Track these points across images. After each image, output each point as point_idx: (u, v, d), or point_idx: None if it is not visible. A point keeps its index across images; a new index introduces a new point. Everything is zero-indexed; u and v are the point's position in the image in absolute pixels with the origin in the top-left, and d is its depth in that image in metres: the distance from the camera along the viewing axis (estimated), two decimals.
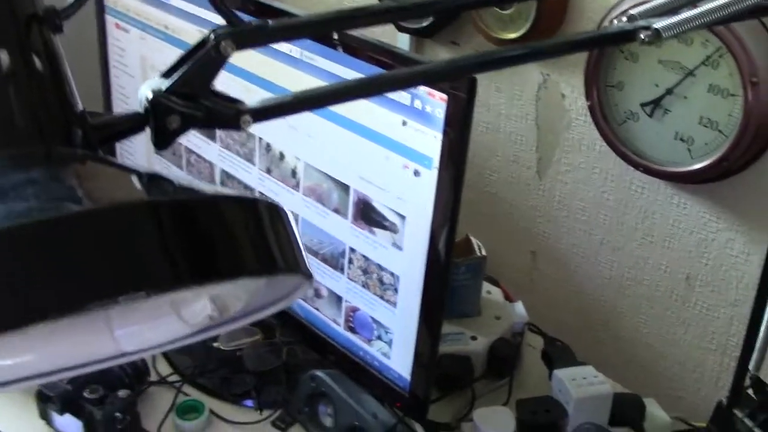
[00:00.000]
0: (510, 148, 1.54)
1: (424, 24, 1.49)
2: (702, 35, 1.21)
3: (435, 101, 0.92)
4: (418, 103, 0.94)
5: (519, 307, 1.37)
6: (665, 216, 1.37)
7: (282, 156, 1.14)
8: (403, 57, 0.96)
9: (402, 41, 1.58)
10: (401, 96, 0.95)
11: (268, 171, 1.18)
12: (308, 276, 0.52)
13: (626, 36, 0.65)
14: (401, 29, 1.55)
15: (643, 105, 1.30)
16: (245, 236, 0.48)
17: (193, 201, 0.48)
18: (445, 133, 0.93)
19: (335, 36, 1.00)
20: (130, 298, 0.41)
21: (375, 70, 0.97)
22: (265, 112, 0.54)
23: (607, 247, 1.46)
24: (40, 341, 0.57)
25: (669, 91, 1.27)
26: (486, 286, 1.38)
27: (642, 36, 0.63)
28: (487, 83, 1.52)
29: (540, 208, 1.53)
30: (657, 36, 0.63)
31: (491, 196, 1.60)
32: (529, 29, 1.38)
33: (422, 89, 0.93)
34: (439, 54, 1.57)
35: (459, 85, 0.90)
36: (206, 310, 0.58)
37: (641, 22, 0.64)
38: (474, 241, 1.32)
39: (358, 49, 0.99)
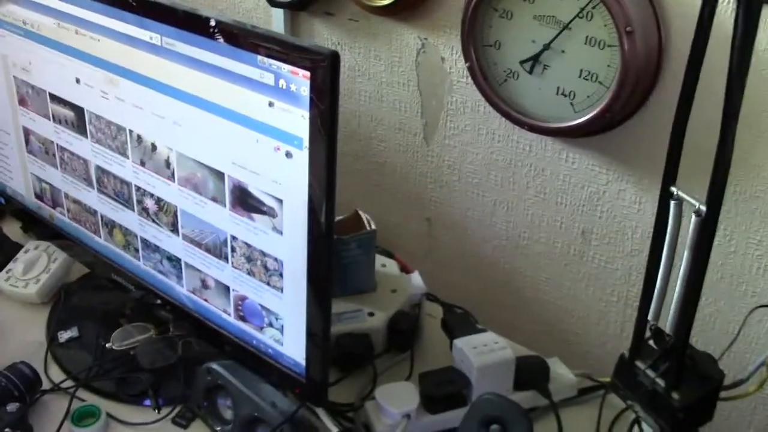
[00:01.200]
0: (395, 116, 1.51)
1: None
2: None
3: (299, 79, 0.89)
4: (282, 83, 0.91)
5: (416, 277, 1.35)
6: (555, 172, 1.36)
7: (154, 147, 1.10)
8: (263, 36, 0.92)
9: (277, 16, 1.54)
10: (265, 76, 0.92)
11: (142, 163, 1.13)
12: None
13: None
14: (274, 4, 1.51)
15: (522, 62, 1.29)
16: None
17: None
18: (312, 111, 0.89)
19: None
20: None
21: (240, 53, 0.93)
22: None
23: (500, 208, 1.45)
24: None
25: (546, 47, 1.26)
26: (381, 259, 1.36)
27: None
28: (365, 52, 1.49)
29: (430, 174, 1.52)
30: None
31: (380, 165, 1.57)
32: None
33: (285, 68, 0.90)
34: (315, 26, 1.54)
35: (321, 60, 0.87)
36: None
37: None
38: (363, 215, 1.29)
39: (220, 30, 0.95)
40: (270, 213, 1.00)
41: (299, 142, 0.92)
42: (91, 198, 1.26)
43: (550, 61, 1.26)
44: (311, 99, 0.89)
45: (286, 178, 0.96)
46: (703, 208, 0.83)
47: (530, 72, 1.29)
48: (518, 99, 1.31)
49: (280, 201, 0.98)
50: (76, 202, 1.30)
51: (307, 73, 0.88)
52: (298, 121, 0.91)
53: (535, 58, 1.28)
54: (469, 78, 1.35)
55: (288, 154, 0.94)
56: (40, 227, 1.44)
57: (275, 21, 1.55)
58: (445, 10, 1.37)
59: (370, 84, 1.51)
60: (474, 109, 1.40)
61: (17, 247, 1.49)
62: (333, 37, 1.52)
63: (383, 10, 1.39)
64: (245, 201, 1.02)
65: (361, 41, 1.49)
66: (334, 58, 0.87)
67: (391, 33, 1.45)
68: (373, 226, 1.28)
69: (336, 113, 0.89)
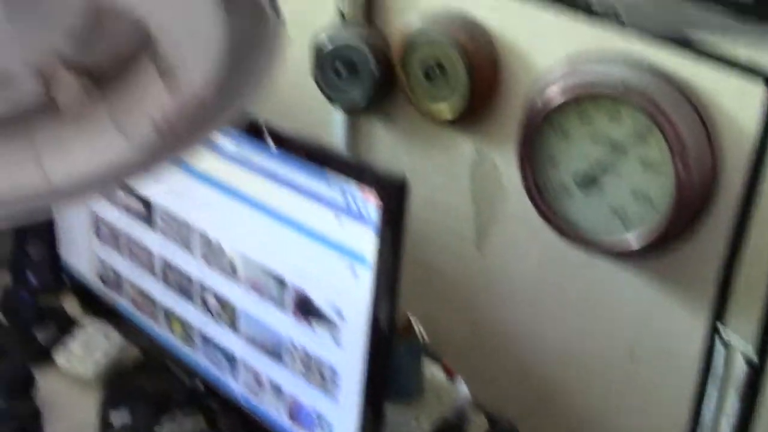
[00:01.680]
0: (448, 222, 1.55)
1: (358, 100, 1.50)
2: (630, 111, 1.24)
3: (368, 201, 0.93)
4: (351, 202, 0.95)
5: (461, 385, 1.37)
6: (604, 288, 1.38)
7: (220, 247, 1.15)
8: (335, 155, 0.97)
9: (337, 116, 1.59)
10: (334, 194, 0.96)
11: (207, 262, 1.18)
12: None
13: None
14: (335, 104, 1.56)
15: (575, 180, 1.32)
16: None
17: None
18: (379, 232, 0.94)
19: (265, 130, 1.01)
20: None
21: (306, 166, 0.98)
22: None
23: (548, 320, 1.48)
24: None
25: (600, 166, 1.29)
26: (426, 362, 1.39)
27: None
28: (421, 157, 1.54)
29: (480, 279, 1.55)
30: None
31: (431, 268, 1.61)
32: (461, 103, 1.40)
33: (355, 188, 0.94)
34: (374, 128, 1.59)
35: (391, 187, 0.91)
36: (152, 108, 0.52)
37: None
38: (414, 322, 1.32)
39: (288, 145, 1.00)
40: (330, 323, 1.04)
41: (364, 260, 0.96)
42: (154, 287, 1.31)
43: (604, 181, 1.30)
44: (379, 220, 0.93)
45: (349, 291, 1.00)
46: (755, 358, 0.85)
47: (583, 190, 1.32)
48: (571, 215, 1.34)
49: (341, 313, 1.02)
50: (138, 289, 1.35)
51: (376, 196, 0.92)
52: (364, 239, 0.95)
53: (588, 177, 1.31)
54: (523, 190, 1.39)
55: (352, 270, 0.98)
56: (99, 307, 1.49)
57: (335, 121, 1.60)
58: (503, 124, 1.41)
59: (425, 189, 1.55)
60: (526, 220, 1.43)
61: (74, 323, 1.54)
62: (391, 140, 1.57)
63: (442, 120, 1.44)
64: (307, 309, 1.06)
65: (419, 147, 1.54)
66: (402, 185, 0.91)
67: (449, 141, 1.49)
68: (425, 335, 1.31)
69: (403, 235, 0.93)
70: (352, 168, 0.95)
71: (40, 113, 0.55)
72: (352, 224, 0.96)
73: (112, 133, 0.52)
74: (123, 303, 1.40)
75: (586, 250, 1.36)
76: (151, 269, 1.29)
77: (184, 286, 1.24)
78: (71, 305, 1.61)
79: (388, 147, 1.58)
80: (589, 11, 1.22)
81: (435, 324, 1.56)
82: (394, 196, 0.91)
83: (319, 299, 1.04)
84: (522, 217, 1.44)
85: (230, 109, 0.54)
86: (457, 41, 1.33)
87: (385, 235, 0.93)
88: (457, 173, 1.51)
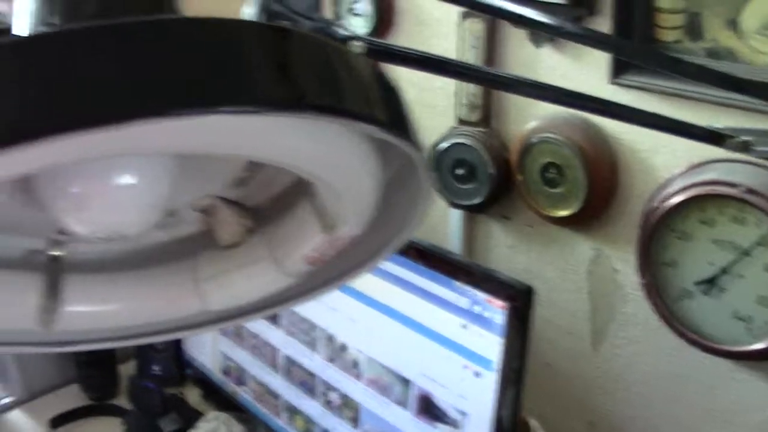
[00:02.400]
0: (564, 320, 1.55)
1: (476, 201, 1.53)
2: (755, 215, 1.23)
3: (494, 307, 0.95)
4: (477, 308, 0.97)
5: None
6: (726, 392, 1.36)
7: (344, 347, 1.17)
8: (462, 264, 0.99)
9: (454, 216, 1.62)
10: (461, 301, 0.99)
11: (331, 360, 1.20)
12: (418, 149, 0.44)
13: (715, 138, 0.68)
14: (454, 205, 1.59)
15: (697, 284, 1.31)
16: (373, 85, 0.41)
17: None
18: (505, 338, 0.95)
19: None
20: (237, 110, 0.35)
21: (437, 276, 1.00)
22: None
23: (666, 422, 1.46)
24: (124, 288, 0.56)
25: (724, 270, 1.28)
26: None
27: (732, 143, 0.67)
28: (537, 256, 1.55)
29: (597, 379, 1.54)
30: (744, 147, 0.66)
31: (546, 367, 1.61)
32: (579, 204, 1.41)
33: (481, 295, 0.96)
34: (491, 228, 1.61)
35: (517, 293, 0.93)
36: (309, 248, 0.53)
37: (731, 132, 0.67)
38: (531, 423, 1.32)
39: (416, 253, 1.03)
40: (453, 424, 1.05)
41: (489, 365, 0.98)
42: (277, 383, 1.34)
43: (727, 285, 1.29)
44: (505, 328, 0.95)
45: (473, 394, 1.01)
46: None
47: (706, 294, 1.31)
48: (692, 318, 1.33)
49: (465, 415, 1.03)
50: (260, 383, 1.38)
51: (503, 304, 0.94)
52: (490, 345, 0.97)
53: (711, 281, 1.30)
54: (642, 292, 1.38)
55: (477, 374, 0.99)
56: (220, 398, 1.53)
57: (452, 220, 1.63)
58: (621, 225, 1.42)
59: (542, 287, 1.56)
60: (645, 322, 1.43)
61: (196, 414, 1.58)
62: (508, 240, 1.59)
63: (560, 220, 1.46)
64: (430, 409, 1.08)
65: (535, 246, 1.55)
66: (529, 292, 0.93)
67: (566, 241, 1.50)
68: None
69: (528, 340, 0.94)
70: (479, 275, 0.97)
71: (200, 244, 0.59)
72: (478, 329, 0.98)
73: (269, 265, 0.55)
74: (245, 396, 1.44)
75: (707, 353, 1.35)
76: (273, 365, 1.32)
77: (306, 382, 1.27)
78: (193, 396, 1.66)
79: (505, 246, 1.60)
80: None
81: (550, 424, 1.56)
82: (521, 303, 0.92)
83: (442, 400, 1.05)
84: (640, 318, 1.44)
85: (386, 245, 0.57)
86: (576, 143, 1.35)
87: (511, 339, 0.94)
88: (574, 273, 1.52)
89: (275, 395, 1.36)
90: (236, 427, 1.52)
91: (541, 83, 0.62)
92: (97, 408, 1.67)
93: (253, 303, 0.58)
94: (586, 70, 1.32)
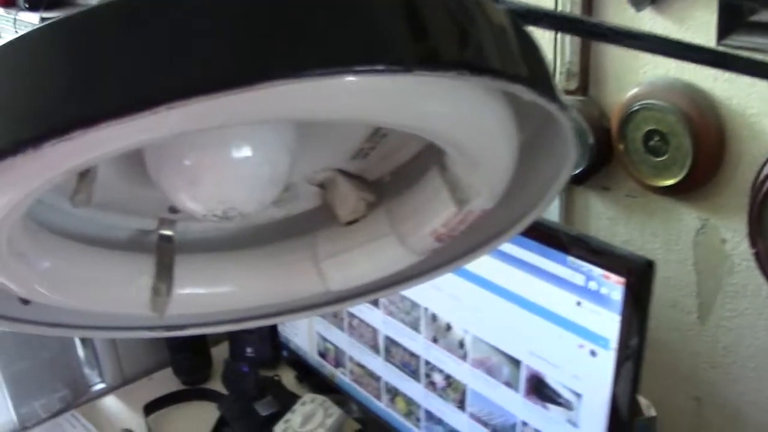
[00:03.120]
0: (669, 293, 1.50)
1: (576, 171, 1.48)
2: None
3: (611, 283, 0.91)
4: (593, 285, 0.93)
5: None
6: None
7: (449, 327, 1.15)
8: (577, 238, 0.95)
9: None
10: (575, 277, 0.95)
11: (435, 340, 1.18)
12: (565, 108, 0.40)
13: None
14: None
15: None
16: (514, 40, 0.38)
17: None
18: (623, 315, 0.91)
19: None
20: (371, 70, 0.32)
21: (550, 252, 0.97)
22: None
23: None
24: (238, 269, 0.54)
25: None
26: None
27: None
28: (640, 228, 1.50)
29: (703, 354, 1.49)
30: None
31: (651, 342, 1.55)
32: (684, 173, 1.36)
33: (597, 271, 0.92)
34: (590, 200, 1.56)
35: (637, 268, 0.89)
36: (438, 223, 0.49)
37: None
38: (642, 400, 1.28)
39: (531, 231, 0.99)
40: (566, 405, 1.01)
41: (606, 343, 0.94)
42: (377, 364, 1.32)
43: None
44: (623, 303, 0.91)
45: (588, 374, 0.97)
46: None
47: None
48: None
49: (579, 395, 0.99)
50: (359, 365, 1.36)
51: (621, 279, 0.90)
52: (606, 322, 0.93)
53: None
54: (752, 262, 1.33)
55: (593, 353, 0.96)
56: (316, 381, 1.52)
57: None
58: (730, 193, 1.36)
59: None
60: (755, 293, 1.37)
61: (292, 397, 1.57)
62: (608, 212, 1.54)
63: (664, 190, 1.40)
64: (541, 390, 1.04)
65: (637, 217, 1.50)
66: (649, 265, 0.89)
67: (670, 211, 1.45)
68: (653, 412, 1.26)
69: (647, 317, 0.90)
70: (595, 249, 0.93)
71: (318, 221, 0.56)
72: (594, 306, 0.94)
73: (392, 243, 0.52)
74: (343, 378, 1.42)
75: None
76: (374, 347, 1.30)
77: (409, 363, 1.24)
78: (287, 379, 1.65)
79: (605, 218, 1.55)
80: None
81: (658, 401, 1.51)
82: (640, 277, 0.88)
83: (555, 381, 1.02)
84: (750, 289, 1.38)
85: (518, 219, 0.52)
86: (680, 108, 1.29)
87: (629, 316, 0.90)
88: (678, 244, 1.46)
89: (375, 377, 1.33)
90: (334, 410, 1.50)
91: (658, 35, 0.56)
92: (191, 392, 1.67)
93: (375, 282, 0.55)
94: (691, 33, 1.27)
